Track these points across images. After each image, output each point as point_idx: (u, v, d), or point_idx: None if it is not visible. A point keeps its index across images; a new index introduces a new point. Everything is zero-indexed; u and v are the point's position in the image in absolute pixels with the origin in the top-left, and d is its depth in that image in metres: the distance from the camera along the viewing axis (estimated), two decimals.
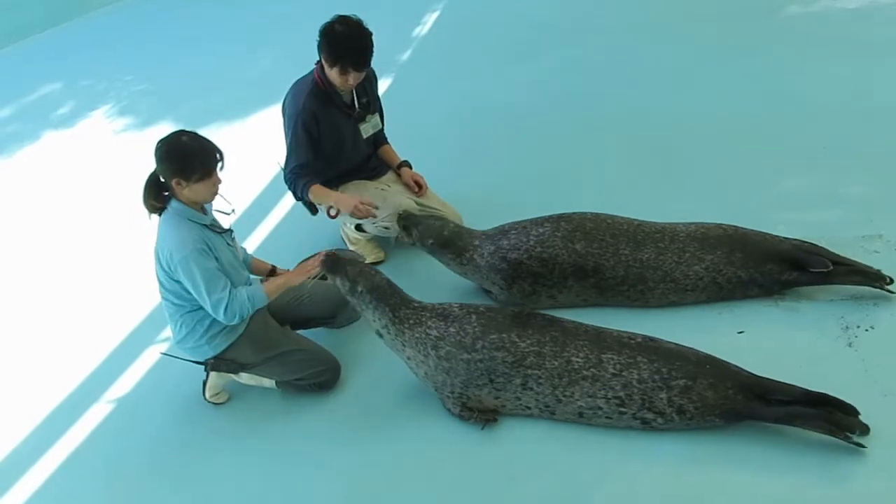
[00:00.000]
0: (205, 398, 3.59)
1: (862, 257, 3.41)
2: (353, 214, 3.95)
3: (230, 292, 3.16)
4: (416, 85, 6.67)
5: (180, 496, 3.23)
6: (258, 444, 3.36)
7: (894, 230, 3.63)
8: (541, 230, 3.55)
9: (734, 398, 2.76)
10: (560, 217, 3.60)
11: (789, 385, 2.77)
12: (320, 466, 3.18)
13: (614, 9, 7.59)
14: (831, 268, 3.26)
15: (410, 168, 4.41)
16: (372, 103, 4.20)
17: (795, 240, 3.43)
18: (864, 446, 2.64)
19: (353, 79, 3.83)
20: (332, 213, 4.20)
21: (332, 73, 3.81)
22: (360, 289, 3.21)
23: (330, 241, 4.41)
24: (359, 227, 4.36)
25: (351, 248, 4.37)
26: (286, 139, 4.03)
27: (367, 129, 4.20)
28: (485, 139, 5.44)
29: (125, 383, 3.95)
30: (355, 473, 3.11)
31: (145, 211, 3.22)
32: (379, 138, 4.36)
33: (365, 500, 3.01)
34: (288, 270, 3.81)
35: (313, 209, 4.41)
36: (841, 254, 3.39)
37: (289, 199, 5.24)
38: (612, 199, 3.76)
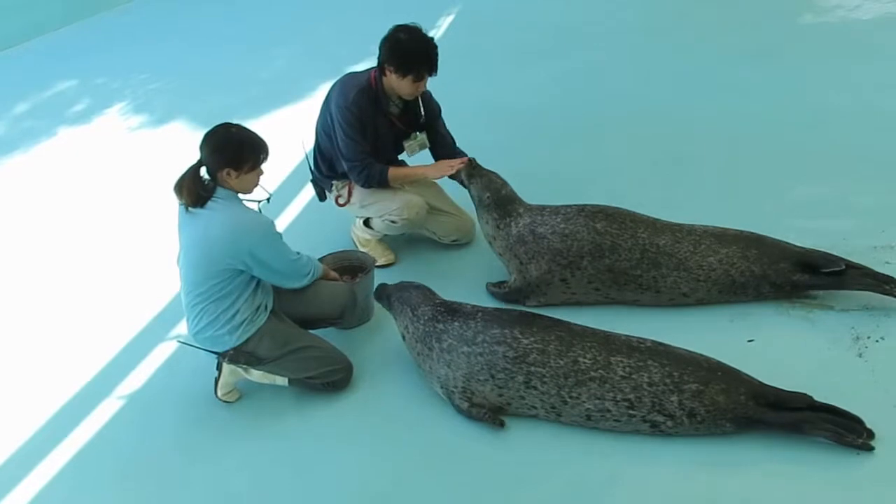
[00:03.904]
0: (216, 396, 3.62)
1: (873, 268, 3.40)
2: (445, 174, 4.07)
3: (298, 253, 3.47)
4: (430, 87, 6.69)
5: (190, 493, 3.25)
6: (269, 443, 3.38)
7: None
8: (568, 209, 3.68)
9: (745, 404, 2.77)
10: (586, 204, 3.71)
11: (800, 394, 2.78)
12: (330, 466, 3.20)
13: (629, 13, 7.61)
14: (843, 267, 3.28)
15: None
16: (427, 121, 4.21)
17: (813, 249, 3.44)
18: (871, 447, 2.65)
19: (424, 84, 3.94)
20: (342, 201, 4.26)
21: (404, 83, 3.86)
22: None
23: (341, 243, 4.43)
24: (367, 223, 4.38)
25: (362, 249, 4.38)
26: (338, 127, 4.00)
27: (413, 147, 4.22)
28: (498, 141, 5.45)
29: (136, 380, 3.97)
30: (364, 473, 3.13)
31: (178, 202, 3.26)
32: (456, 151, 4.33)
33: (374, 499, 3.03)
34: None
35: (322, 195, 4.46)
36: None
37: (300, 199, 5.29)
38: (624, 203, 3.77)
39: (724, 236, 3.49)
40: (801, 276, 3.36)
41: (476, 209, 3.97)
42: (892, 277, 3.26)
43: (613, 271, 3.55)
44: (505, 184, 3.89)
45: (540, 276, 3.69)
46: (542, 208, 3.78)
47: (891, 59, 5.50)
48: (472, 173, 3.92)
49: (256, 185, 3.35)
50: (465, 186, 4.01)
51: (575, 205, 3.72)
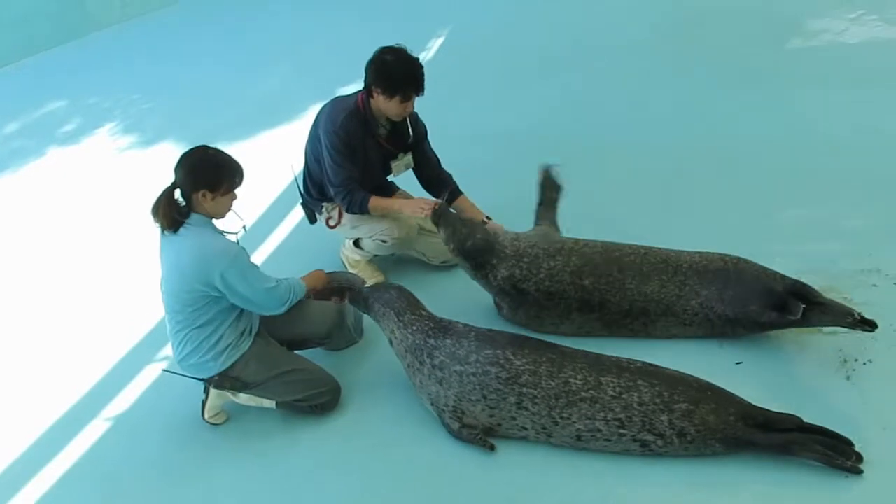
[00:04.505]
0: (203, 419, 3.59)
1: (860, 290, 3.43)
2: (417, 215, 4.02)
3: (277, 280, 3.37)
4: (420, 109, 6.72)
5: None
6: (256, 466, 3.34)
7: (893, 264, 3.64)
8: (552, 263, 3.55)
9: (735, 424, 2.77)
10: (572, 250, 3.57)
11: (789, 416, 2.78)
12: (319, 489, 3.17)
13: (619, 38, 7.68)
14: (797, 317, 3.11)
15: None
16: (414, 142, 4.21)
17: (791, 280, 3.28)
18: (860, 470, 2.65)
19: (412, 104, 3.93)
20: (332, 223, 4.26)
21: (392, 104, 3.85)
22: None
23: (330, 264, 4.40)
24: (356, 244, 4.38)
25: (351, 270, 4.38)
26: (326, 152, 4.01)
27: (399, 167, 4.22)
28: (488, 164, 5.47)
29: (123, 402, 3.94)
30: (352, 495, 3.10)
31: (156, 226, 3.23)
32: (454, 190, 4.29)
33: None
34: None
35: (312, 217, 4.45)
36: (839, 286, 3.40)
37: (289, 221, 5.29)
38: (613, 226, 3.79)
39: (706, 272, 3.37)
40: (767, 316, 3.25)
41: None
42: (852, 312, 3.05)
43: (603, 321, 3.55)
44: (472, 233, 3.70)
45: (530, 319, 3.69)
46: (518, 255, 3.60)
47: (878, 83, 5.56)
48: (438, 222, 3.81)
49: (230, 209, 3.31)
50: None
51: (558, 251, 3.56)
